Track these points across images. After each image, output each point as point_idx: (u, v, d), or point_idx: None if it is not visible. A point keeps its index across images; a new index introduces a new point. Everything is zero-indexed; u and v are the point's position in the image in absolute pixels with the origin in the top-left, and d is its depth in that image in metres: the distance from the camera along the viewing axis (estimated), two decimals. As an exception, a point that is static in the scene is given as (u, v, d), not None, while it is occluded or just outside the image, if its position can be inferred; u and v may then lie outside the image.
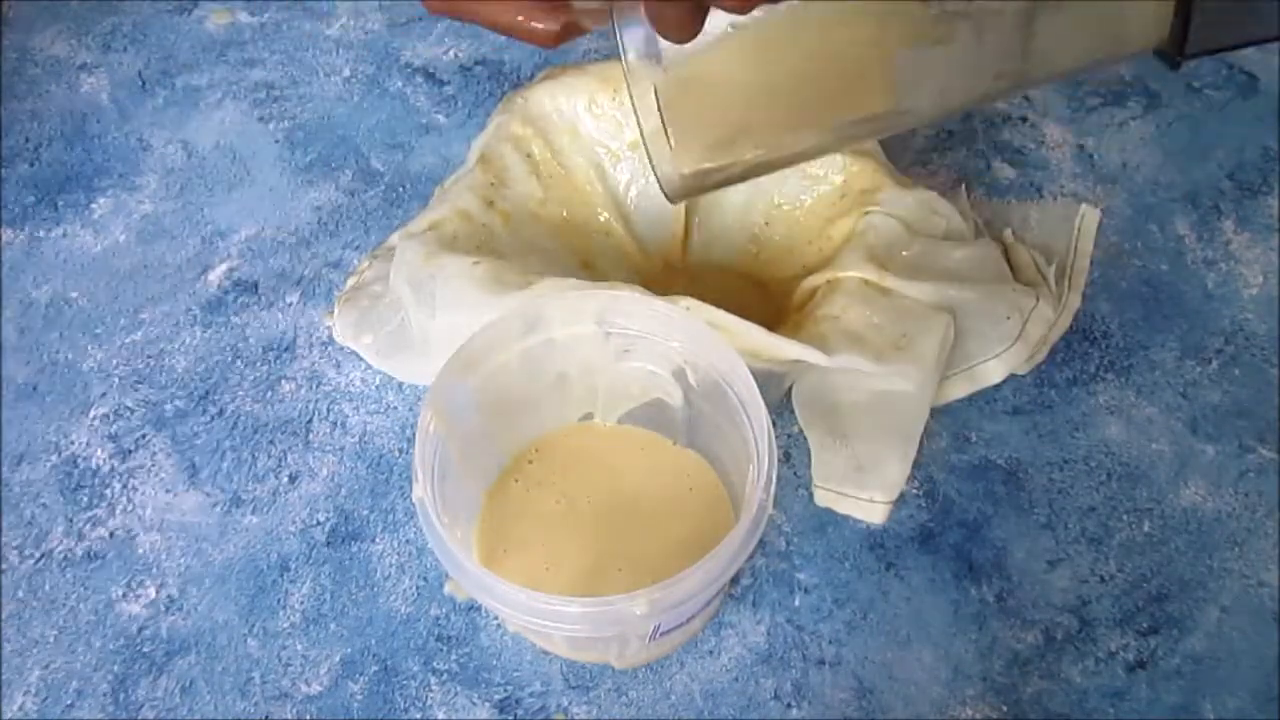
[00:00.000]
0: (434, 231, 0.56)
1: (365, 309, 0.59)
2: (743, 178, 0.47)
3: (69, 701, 0.50)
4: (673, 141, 0.42)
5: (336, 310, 0.60)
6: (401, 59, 0.72)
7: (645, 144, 0.43)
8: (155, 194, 0.66)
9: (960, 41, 0.42)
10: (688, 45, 0.40)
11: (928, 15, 0.41)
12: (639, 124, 0.43)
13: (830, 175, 0.59)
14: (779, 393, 0.56)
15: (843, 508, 0.54)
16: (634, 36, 0.41)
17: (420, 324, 0.55)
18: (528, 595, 0.41)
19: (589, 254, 0.60)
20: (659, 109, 0.42)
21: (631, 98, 0.42)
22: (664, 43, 0.41)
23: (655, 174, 0.44)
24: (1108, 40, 0.43)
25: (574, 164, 0.61)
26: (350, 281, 0.61)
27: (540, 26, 0.43)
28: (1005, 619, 0.51)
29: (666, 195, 0.45)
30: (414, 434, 0.45)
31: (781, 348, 0.52)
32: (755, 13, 0.39)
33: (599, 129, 0.60)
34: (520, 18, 0.43)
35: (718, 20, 0.40)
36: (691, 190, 0.46)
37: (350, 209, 0.66)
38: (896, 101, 0.44)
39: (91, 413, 0.58)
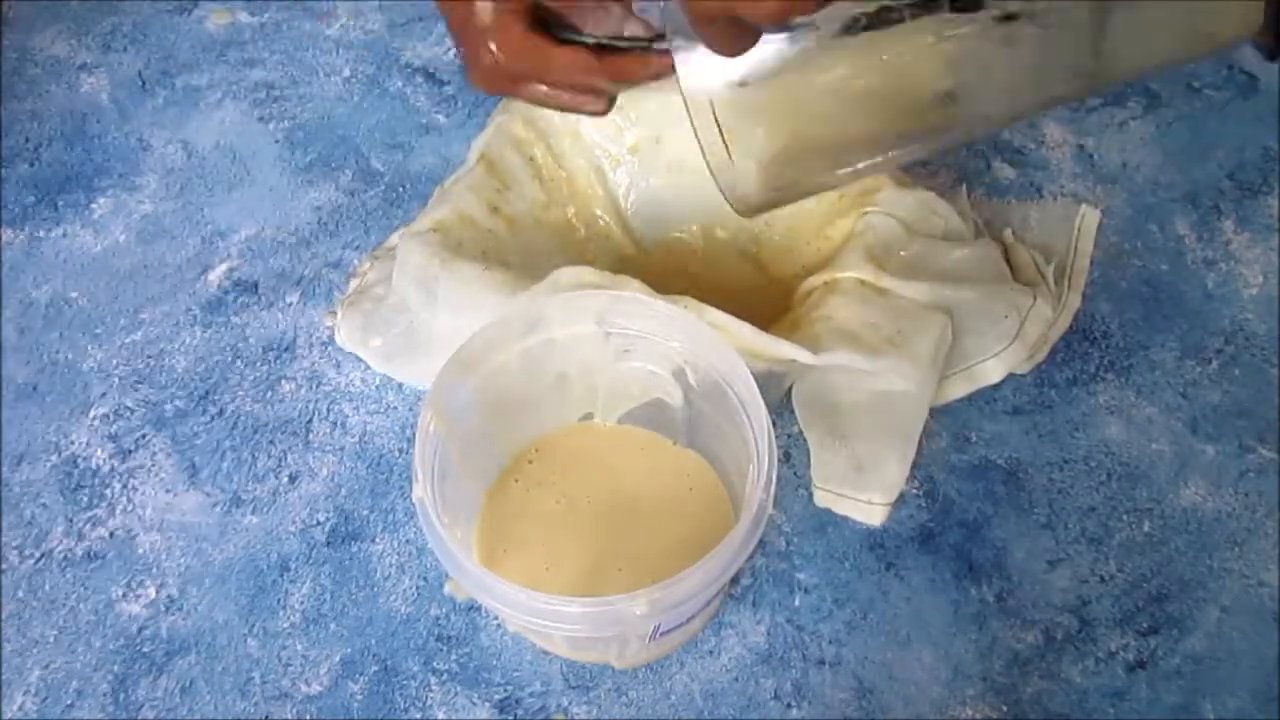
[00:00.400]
0: (438, 234, 0.56)
1: (369, 312, 0.59)
2: (807, 194, 0.46)
3: (69, 701, 0.50)
4: (735, 162, 0.41)
5: (340, 314, 0.60)
6: (401, 59, 0.72)
7: (711, 169, 0.42)
8: (155, 194, 0.66)
9: (1026, 44, 0.40)
10: (743, 70, 0.39)
11: (989, 20, 0.39)
12: (703, 151, 0.41)
13: None
14: (779, 393, 0.56)
15: (841, 509, 0.54)
16: (689, 61, 0.40)
17: (428, 324, 0.55)
18: (528, 595, 0.41)
19: (590, 256, 0.60)
20: (720, 133, 0.41)
21: (694, 127, 0.41)
22: (725, 71, 0.40)
23: (725, 197, 0.43)
24: (1191, 36, 0.41)
25: (575, 167, 0.61)
26: (352, 285, 0.61)
27: (593, 108, 0.47)
28: (1005, 619, 0.51)
29: (740, 213, 0.44)
30: (414, 434, 0.45)
31: (771, 346, 0.52)
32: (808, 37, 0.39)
33: (600, 133, 0.60)
34: (576, 102, 0.47)
35: (772, 44, 0.39)
36: (765, 207, 0.45)
37: (350, 209, 0.65)
38: (961, 109, 0.42)
39: (91, 413, 0.58)
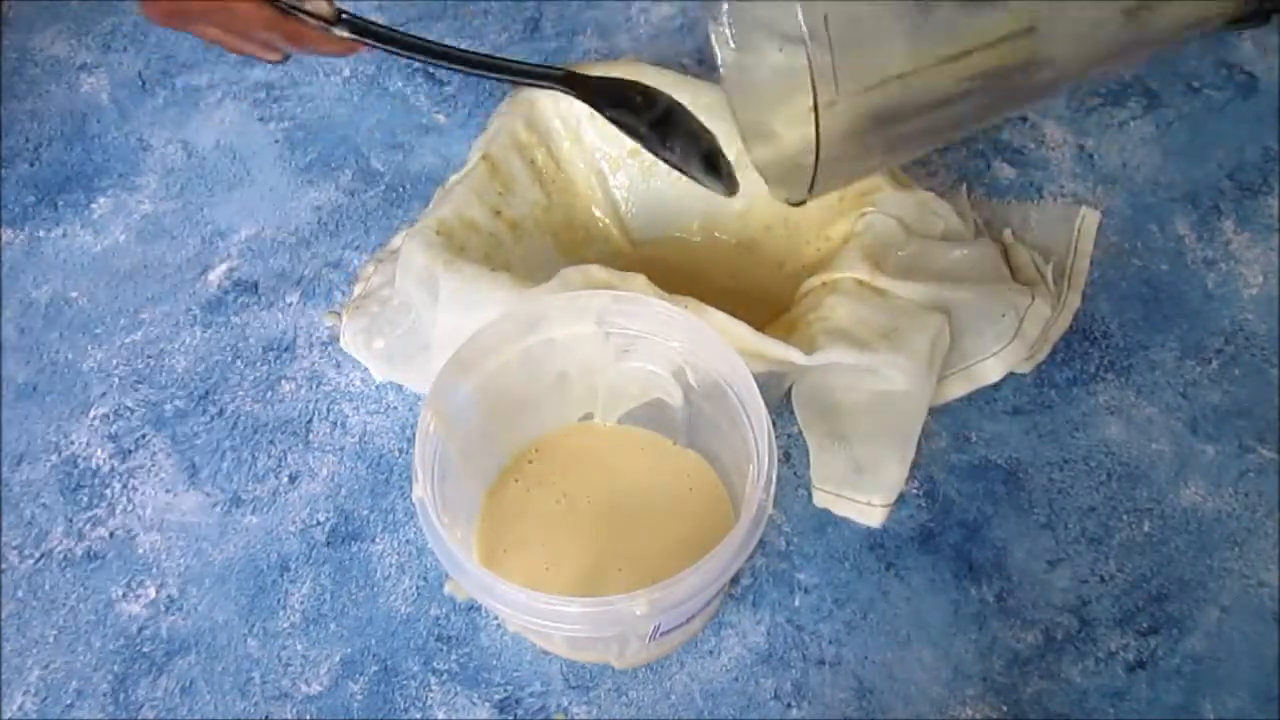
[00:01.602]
0: (441, 236, 0.56)
1: (375, 315, 0.59)
2: (883, 162, 0.47)
3: (69, 701, 0.50)
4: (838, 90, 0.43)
5: (344, 318, 0.60)
6: (401, 59, 0.72)
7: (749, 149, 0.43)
8: (155, 194, 0.66)
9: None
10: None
11: None
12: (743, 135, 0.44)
13: None
14: (779, 393, 0.56)
15: (841, 510, 0.54)
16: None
17: (431, 324, 0.55)
18: (528, 595, 0.41)
19: (590, 258, 0.60)
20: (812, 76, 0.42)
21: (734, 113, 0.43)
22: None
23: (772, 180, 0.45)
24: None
25: (575, 170, 0.61)
26: (356, 289, 0.61)
27: (265, 58, 0.50)
28: (1005, 619, 0.51)
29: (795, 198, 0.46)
30: (414, 434, 0.45)
31: (764, 346, 0.52)
32: None
33: (600, 135, 0.60)
34: (247, 50, 0.50)
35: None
36: (838, 174, 0.46)
37: (350, 209, 0.65)
38: (1034, 49, 0.44)
39: (91, 413, 0.58)
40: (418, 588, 0.53)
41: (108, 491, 0.56)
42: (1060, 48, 0.45)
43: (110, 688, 0.50)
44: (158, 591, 0.53)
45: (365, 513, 0.55)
